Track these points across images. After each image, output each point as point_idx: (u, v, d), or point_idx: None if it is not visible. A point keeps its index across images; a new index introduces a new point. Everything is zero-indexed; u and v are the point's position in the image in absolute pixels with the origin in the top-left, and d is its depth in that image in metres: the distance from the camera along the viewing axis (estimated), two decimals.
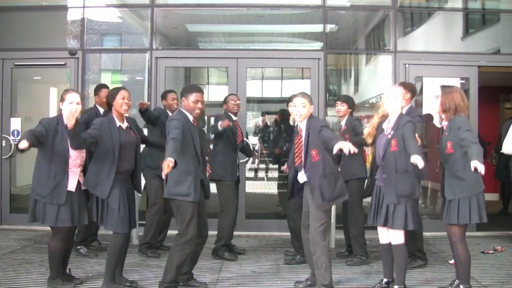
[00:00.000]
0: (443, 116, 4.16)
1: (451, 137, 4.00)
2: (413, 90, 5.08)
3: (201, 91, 4.26)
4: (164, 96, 5.64)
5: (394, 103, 4.09)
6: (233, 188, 5.47)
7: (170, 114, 5.33)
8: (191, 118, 4.19)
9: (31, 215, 4.18)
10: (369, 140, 4.32)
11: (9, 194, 6.88)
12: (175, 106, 5.43)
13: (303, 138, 4.20)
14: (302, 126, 4.24)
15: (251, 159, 6.35)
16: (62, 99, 4.24)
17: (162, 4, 7.28)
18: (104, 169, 4.14)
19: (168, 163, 3.65)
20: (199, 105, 4.20)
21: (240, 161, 6.21)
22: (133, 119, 4.61)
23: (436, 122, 7.01)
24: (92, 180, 4.17)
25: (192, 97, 4.18)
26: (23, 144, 3.75)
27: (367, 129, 4.35)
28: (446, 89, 4.13)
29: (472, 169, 3.70)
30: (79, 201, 4.21)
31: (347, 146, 3.71)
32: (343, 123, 5.32)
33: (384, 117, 4.22)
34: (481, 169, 3.67)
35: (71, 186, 4.17)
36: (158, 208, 5.42)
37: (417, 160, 3.71)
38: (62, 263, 4.34)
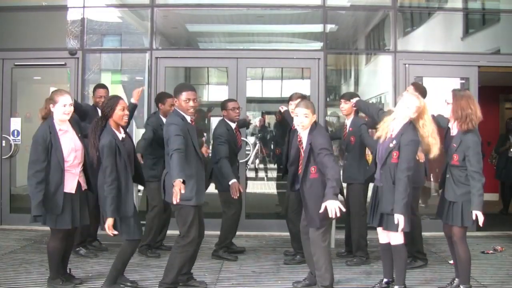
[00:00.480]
0: (453, 123, 4.10)
1: (459, 152, 3.99)
2: (423, 93, 4.97)
3: (191, 89, 4.14)
4: (161, 100, 5.38)
5: (405, 112, 4.00)
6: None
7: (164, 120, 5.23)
8: (188, 118, 4.13)
9: (33, 216, 4.14)
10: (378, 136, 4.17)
11: (9, 194, 6.87)
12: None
13: (303, 150, 4.12)
14: (303, 135, 4.15)
15: (251, 159, 6.32)
16: (54, 102, 4.13)
17: (162, 4, 7.28)
18: (121, 188, 4.05)
19: (179, 188, 3.59)
20: (191, 103, 4.08)
21: (240, 161, 6.21)
22: None
23: None
24: (116, 204, 4.03)
25: (183, 96, 4.08)
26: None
27: (380, 131, 4.12)
28: (457, 96, 4.06)
29: (473, 217, 3.89)
30: (80, 202, 4.20)
31: (333, 207, 3.69)
32: (348, 122, 5.22)
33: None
34: (480, 220, 3.87)
35: (71, 188, 4.15)
36: (157, 211, 5.40)
37: (400, 220, 3.83)
38: (62, 263, 4.34)
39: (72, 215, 4.13)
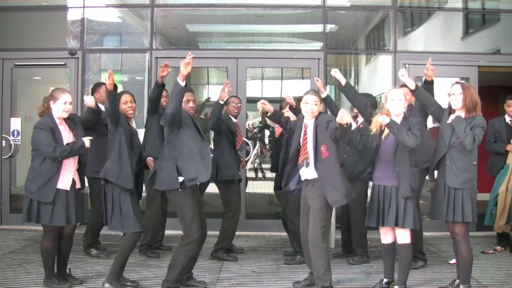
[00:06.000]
0: (460, 113, 4.09)
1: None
2: None
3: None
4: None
5: (400, 105, 4.09)
6: (239, 189, 5.43)
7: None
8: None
9: (26, 214, 4.15)
10: (373, 130, 4.17)
11: (9, 194, 6.87)
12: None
13: (310, 136, 4.14)
14: (309, 123, 4.18)
15: (251, 159, 6.32)
16: (54, 98, 4.20)
17: (162, 4, 7.28)
18: (124, 159, 4.17)
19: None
20: (191, 104, 4.51)
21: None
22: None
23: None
24: (113, 170, 4.14)
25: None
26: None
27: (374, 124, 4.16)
28: (465, 86, 4.13)
29: None
30: (75, 201, 4.20)
31: (346, 117, 3.76)
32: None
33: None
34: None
35: (66, 185, 4.16)
36: (155, 210, 5.39)
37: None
38: (62, 264, 4.35)
39: (66, 213, 4.13)
